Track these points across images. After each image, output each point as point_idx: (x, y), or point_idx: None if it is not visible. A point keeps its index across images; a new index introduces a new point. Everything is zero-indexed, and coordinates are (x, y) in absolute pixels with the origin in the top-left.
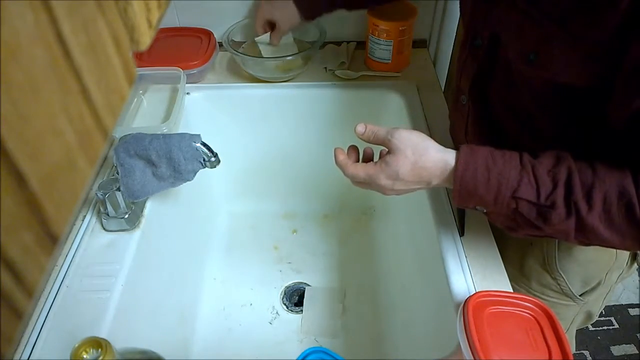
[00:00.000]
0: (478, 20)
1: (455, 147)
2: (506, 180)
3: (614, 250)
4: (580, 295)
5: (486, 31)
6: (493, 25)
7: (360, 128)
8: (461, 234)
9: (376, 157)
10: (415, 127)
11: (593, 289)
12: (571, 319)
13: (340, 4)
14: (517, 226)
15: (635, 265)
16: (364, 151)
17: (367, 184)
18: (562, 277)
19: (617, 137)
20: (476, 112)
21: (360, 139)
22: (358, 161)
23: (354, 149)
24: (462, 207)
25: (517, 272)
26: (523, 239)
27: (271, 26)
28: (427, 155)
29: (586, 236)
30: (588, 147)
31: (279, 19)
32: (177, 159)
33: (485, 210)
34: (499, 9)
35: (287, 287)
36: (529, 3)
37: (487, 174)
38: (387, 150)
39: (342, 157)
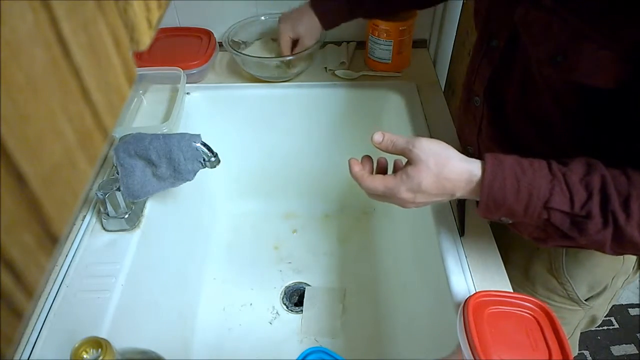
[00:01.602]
0: (495, 20)
1: (463, 149)
2: (537, 190)
3: (621, 255)
4: (586, 300)
5: (505, 31)
6: (514, 25)
7: (378, 137)
8: (461, 234)
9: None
10: (416, 127)
11: (599, 293)
12: (576, 324)
13: (360, 14)
14: (547, 237)
15: None
16: (378, 161)
17: (385, 196)
18: (569, 282)
19: None
20: (490, 114)
21: (377, 147)
22: (372, 171)
23: (368, 159)
24: (487, 219)
25: (522, 277)
26: (529, 243)
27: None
28: (451, 166)
29: (623, 246)
30: (606, 154)
31: (303, 34)
32: (177, 159)
33: (510, 221)
34: (522, 8)
35: (287, 287)
36: (557, 1)
37: (516, 184)
38: (402, 160)
39: (357, 168)
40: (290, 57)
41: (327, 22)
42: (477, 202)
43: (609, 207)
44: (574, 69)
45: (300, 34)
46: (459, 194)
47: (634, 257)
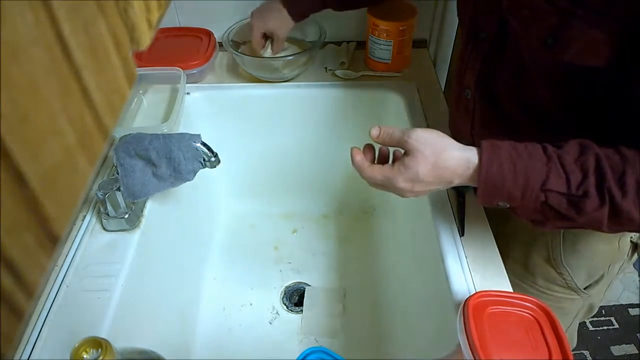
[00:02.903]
0: (483, 11)
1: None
2: (534, 172)
3: (617, 241)
4: (584, 289)
5: (493, 22)
6: (502, 14)
7: (375, 131)
8: (461, 234)
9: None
10: (415, 127)
11: (597, 281)
12: (575, 313)
13: (330, 4)
14: (545, 219)
15: (636, 256)
16: (380, 150)
17: (384, 186)
18: (568, 271)
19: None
20: (483, 106)
21: (375, 141)
22: (374, 160)
23: (370, 148)
24: (485, 205)
25: (522, 269)
26: (527, 236)
27: (268, 37)
28: (447, 154)
29: (620, 223)
30: (603, 139)
31: (274, 28)
32: (177, 159)
33: (508, 206)
34: None
35: (287, 287)
36: None
37: (513, 168)
38: (401, 150)
39: (359, 157)
40: (290, 57)
41: (296, 13)
42: (475, 189)
43: (604, 185)
44: (565, 49)
45: (271, 28)
46: (457, 182)
47: (628, 244)
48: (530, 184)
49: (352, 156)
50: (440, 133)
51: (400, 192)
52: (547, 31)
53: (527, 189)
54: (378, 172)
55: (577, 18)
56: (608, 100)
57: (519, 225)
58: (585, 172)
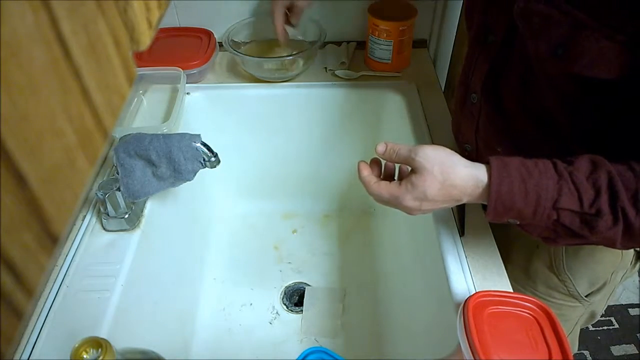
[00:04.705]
0: (492, 15)
1: (461, 147)
2: (545, 191)
3: (620, 250)
4: (586, 296)
5: (502, 26)
6: (511, 20)
7: (381, 148)
8: (461, 234)
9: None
10: (415, 127)
11: (599, 289)
12: (576, 320)
13: None
14: (556, 236)
15: (638, 265)
16: (385, 165)
17: (391, 203)
18: (570, 279)
19: None
20: (488, 111)
21: (381, 158)
22: (381, 174)
23: (376, 162)
24: (495, 222)
25: (523, 274)
26: (529, 241)
27: (287, 11)
28: (456, 173)
29: (634, 240)
30: (608, 147)
31: None
32: (177, 159)
33: (518, 222)
34: (521, 1)
35: (287, 287)
36: None
37: (524, 186)
38: (407, 167)
39: (365, 172)
40: (290, 57)
41: None
42: (483, 206)
43: (618, 203)
44: (575, 61)
45: None
46: (466, 200)
47: (631, 253)
48: (542, 202)
49: (358, 171)
50: (448, 150)
51: (408, 210)
52: (557, 41)
53: (539, 207)
54: (385, 189)
55: (589, 29)
56: (616, 111)
57: (521, 230)
58: (598, 189)
